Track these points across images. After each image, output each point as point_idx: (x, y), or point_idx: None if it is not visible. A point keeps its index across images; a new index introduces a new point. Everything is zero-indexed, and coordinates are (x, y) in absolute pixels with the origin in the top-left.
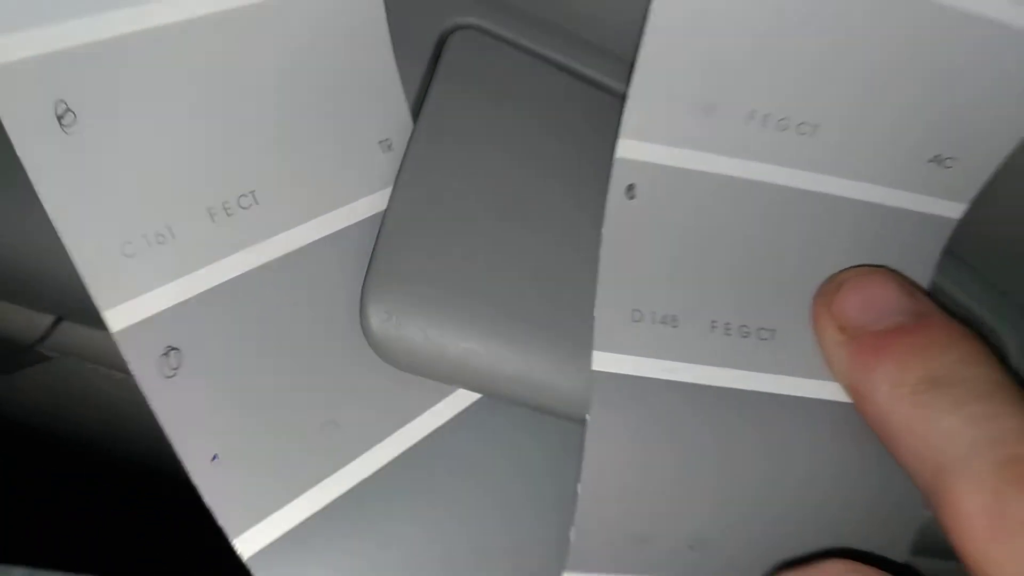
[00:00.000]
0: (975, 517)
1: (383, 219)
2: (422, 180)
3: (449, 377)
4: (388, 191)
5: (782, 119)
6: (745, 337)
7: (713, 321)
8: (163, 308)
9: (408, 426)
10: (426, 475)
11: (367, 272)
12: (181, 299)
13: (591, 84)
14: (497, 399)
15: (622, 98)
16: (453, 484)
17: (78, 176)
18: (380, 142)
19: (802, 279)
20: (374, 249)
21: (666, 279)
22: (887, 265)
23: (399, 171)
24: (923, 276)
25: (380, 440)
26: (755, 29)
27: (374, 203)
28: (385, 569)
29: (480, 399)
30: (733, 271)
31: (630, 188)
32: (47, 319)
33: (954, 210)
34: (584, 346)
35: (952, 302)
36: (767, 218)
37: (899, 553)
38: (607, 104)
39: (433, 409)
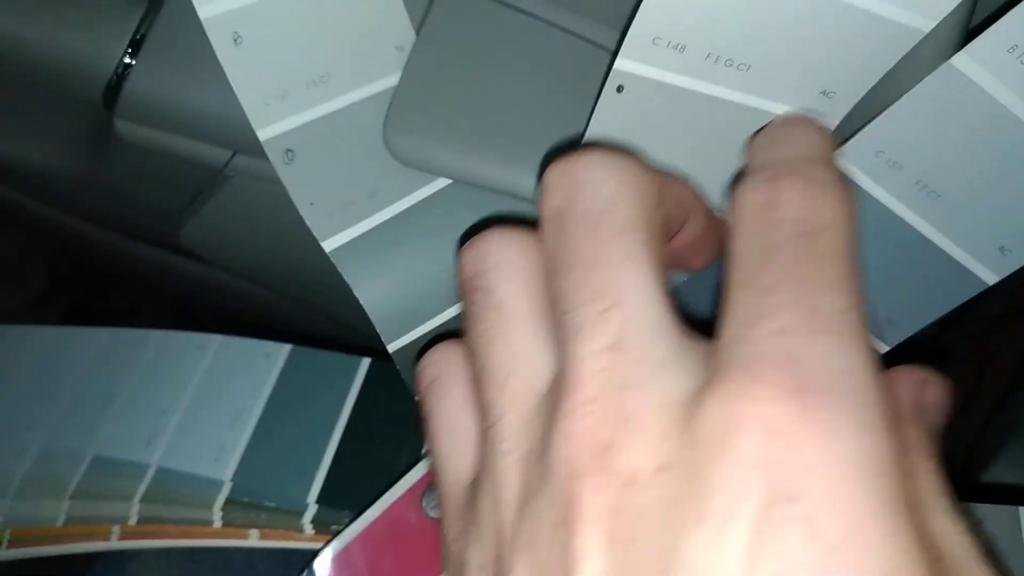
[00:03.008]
0: None
1: (398, 84)
2: (420, 63)
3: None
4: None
5: (728, 60)
6: None
7: None
8: (286, 129)
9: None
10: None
11: (388, 108)
12: (295, 125)
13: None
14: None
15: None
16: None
17: (249, 68)
18: (396, 47)
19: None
20: (392, 97)
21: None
22: None
23: (407, 60)
24: None
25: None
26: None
27: (393, 80)
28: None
29: None
30: (687, 152)
31: (620, 88)
32: (227, 152)
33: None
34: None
35: None
36: (716, 120)
37: None
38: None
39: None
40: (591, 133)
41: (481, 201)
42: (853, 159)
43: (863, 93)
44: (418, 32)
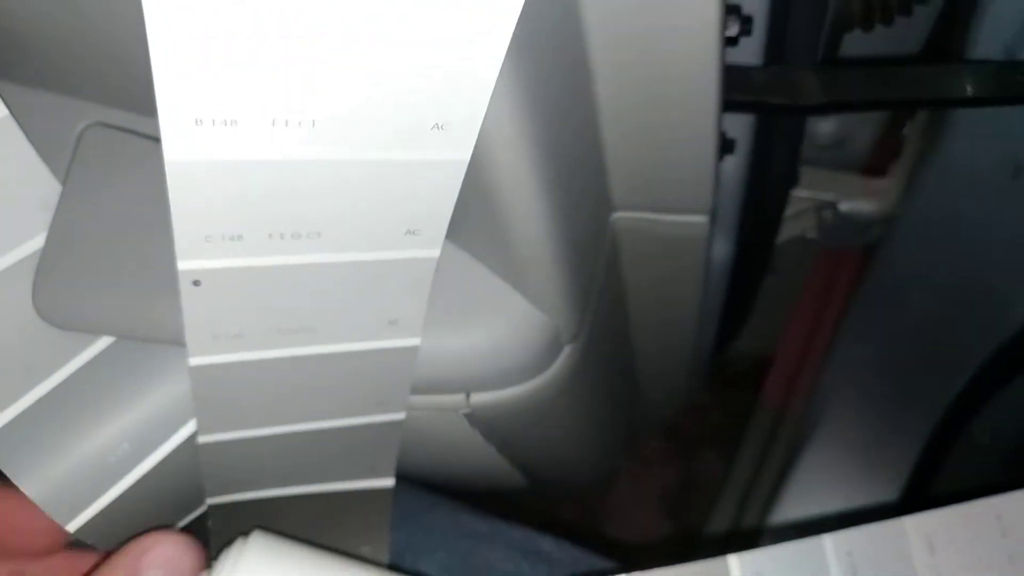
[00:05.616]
0: None
1: (45, 242)
2: (67, 215)
3: (91, 328)
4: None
5: (294, 233)
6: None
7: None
8: None
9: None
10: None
11: (37, 269)
12: None
13: None
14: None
15: None
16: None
17: None
18: (40, 204)
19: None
20: (40, 257)
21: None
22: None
23: (54, 215)
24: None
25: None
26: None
27: (40, 241)
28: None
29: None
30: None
31: (196, 282)
32: None
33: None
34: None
35: None
36: (306, 281)
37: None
38: None
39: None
40: (187, 327)
41: (145, 358)
42: None
43: (446, 223)
44: (64, 183)
